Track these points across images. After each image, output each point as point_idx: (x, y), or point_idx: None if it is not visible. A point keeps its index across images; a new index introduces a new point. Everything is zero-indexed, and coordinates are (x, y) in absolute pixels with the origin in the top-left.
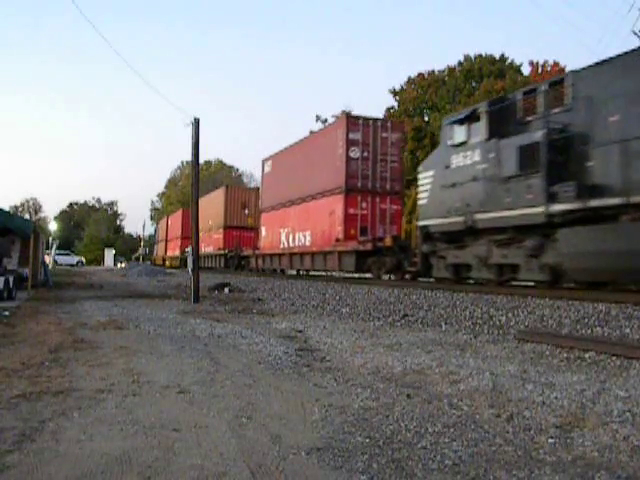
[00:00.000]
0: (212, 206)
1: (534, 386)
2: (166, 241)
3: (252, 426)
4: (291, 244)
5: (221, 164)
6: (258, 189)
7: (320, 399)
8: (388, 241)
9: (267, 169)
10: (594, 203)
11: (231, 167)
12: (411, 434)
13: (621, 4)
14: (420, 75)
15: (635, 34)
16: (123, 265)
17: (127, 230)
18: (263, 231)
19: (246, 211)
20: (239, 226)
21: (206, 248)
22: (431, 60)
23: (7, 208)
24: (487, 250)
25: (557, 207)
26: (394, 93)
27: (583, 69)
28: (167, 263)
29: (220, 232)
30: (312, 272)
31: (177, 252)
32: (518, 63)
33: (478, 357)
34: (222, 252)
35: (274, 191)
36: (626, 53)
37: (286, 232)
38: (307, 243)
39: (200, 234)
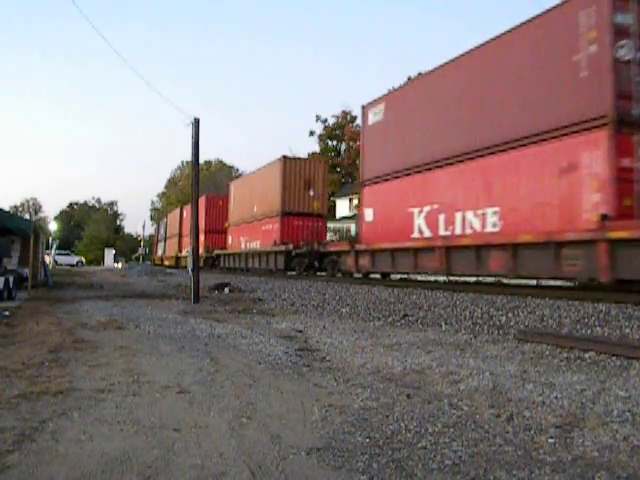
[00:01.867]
0: (259, 187)
1: (534, 386)
2: (180, 237)
3: (252, 426)
4: (443, 232)
5: (221, 164)
6: (326, 161)
7: (320, 399)
8: None
9: (374, 119)
10: None
11: (231, 167)
12: (411, 434)
13: None
14: (420, 75)
15: None
16: (120, 265)
17: (127, 230)
18: (368, 214)
19: (311, 192)
20: (302, 212)
21: (248, 244)
22: (431, 60)
23: (7, 208)
24: None
25: None
26: None
27: None
28: (182, 263)
29: (275, 221)
30: (514, 280)
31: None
32: None
33: (478, 357)
34: (280, 248)
35: (393, 150)
36: None
37: (428, 213)
38: (492, 229)
39: (235, 227)
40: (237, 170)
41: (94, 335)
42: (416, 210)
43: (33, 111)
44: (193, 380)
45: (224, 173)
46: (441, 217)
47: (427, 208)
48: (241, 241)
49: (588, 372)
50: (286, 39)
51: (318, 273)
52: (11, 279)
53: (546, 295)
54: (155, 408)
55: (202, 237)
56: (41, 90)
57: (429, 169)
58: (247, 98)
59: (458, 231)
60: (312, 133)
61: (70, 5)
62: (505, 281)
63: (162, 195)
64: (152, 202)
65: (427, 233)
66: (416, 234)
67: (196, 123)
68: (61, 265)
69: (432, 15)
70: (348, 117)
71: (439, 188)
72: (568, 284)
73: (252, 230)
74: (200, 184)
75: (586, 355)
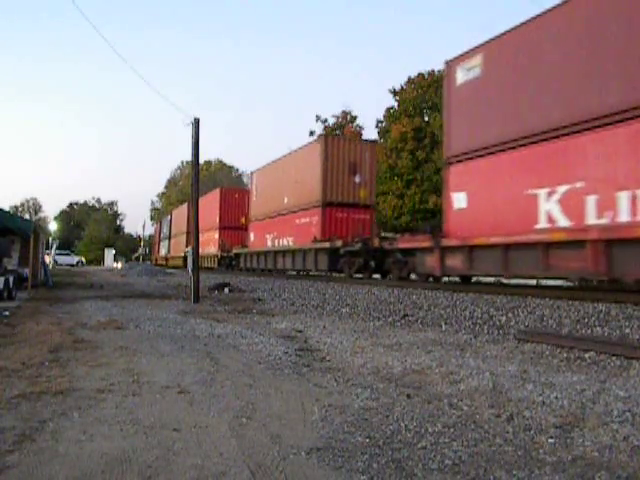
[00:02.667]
0: (292, 174)
1: (534, 386)
2: (188, 234)
3: (252, 426)
4: (594, 219)
5: (221, 164)
6: (374, 142)
7: (320, 399)
8: None
9: (465, 76)
10: None
11: (231, 167)
12: (411, 434)
13: None
14: (420, 75)
15: None
16: (120, 265)
17: (127, 230)
18: (458, 200)
19: (357, 178)
20: (347, 203)
21: (277, 241)
22: (431, 60)
23: (7, 208)
24: None
25: None
26: (394, 93)
27: None
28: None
29: (313, 213)
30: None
31: (212, 249)
32: None
33: (478, 357)
34: (323, 245)
35: (499, 113)
36: None
37: (565, 194)
38: None
39: (258, 221)
40: (237, 170)
41: (94, 335)
42: (542, 192)
43: (33, 111)
44: (193, 380)
45: (224, 173)
46: (590, 199)
47: (563, 188)
48: (267, 238)
49: (588, 372)
50: (286, 39)
51: (375, 276)
52: (11, 279)
53: (546, 295)
54: (155, 408)
55: (216, 235)
56: (41, 90)
57: (565, 135)
58: (247, 98)
59: (624, 218)
60: (312, 133)
61: (70, 5)
62: (505, 281)
63: (162, 195)
64: (152, 202)
65: (563, 222)
66: (543, 224)
67: (196, 123)
68: (61, 265)
69: (431, 16)
70: (348, 117)
71: (586, 160)
72: (568, 284)
73: (282, 225)
74: (200, 184)
75: (586, 355)
